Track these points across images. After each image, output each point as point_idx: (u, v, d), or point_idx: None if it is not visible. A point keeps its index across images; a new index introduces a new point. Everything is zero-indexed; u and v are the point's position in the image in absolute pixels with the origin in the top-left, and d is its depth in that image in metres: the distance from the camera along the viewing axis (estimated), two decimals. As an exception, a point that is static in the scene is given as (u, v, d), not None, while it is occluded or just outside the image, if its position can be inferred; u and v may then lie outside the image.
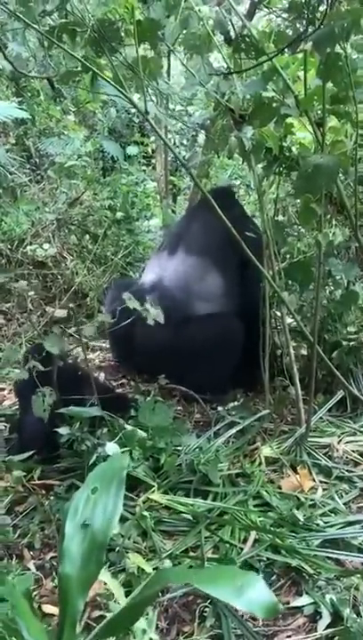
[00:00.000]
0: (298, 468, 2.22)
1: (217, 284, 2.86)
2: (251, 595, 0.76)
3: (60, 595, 0.96)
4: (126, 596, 1.49)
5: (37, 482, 2.08)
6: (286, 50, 2.19)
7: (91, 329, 2.19)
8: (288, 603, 1.61)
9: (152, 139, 5.37)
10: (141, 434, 2.14)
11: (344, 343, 2.71)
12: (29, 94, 5.91)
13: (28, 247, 3.71)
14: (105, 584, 1.46)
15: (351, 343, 2.74)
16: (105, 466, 1.14)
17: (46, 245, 3.67)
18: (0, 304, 3.55)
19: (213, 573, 0.97)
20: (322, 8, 1.96)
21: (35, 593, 1.60)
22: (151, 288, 2.87)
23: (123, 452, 1.87)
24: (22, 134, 5.75)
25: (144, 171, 4.65)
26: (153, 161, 5.54)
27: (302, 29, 1.96)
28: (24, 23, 1.98)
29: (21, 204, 3.95)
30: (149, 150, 5.55)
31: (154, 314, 2.14)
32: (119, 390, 2.85)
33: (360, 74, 2.12)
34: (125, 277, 3.68)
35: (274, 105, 2.26)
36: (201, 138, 4.58)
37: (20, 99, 5.53)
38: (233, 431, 2.37)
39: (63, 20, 2.02)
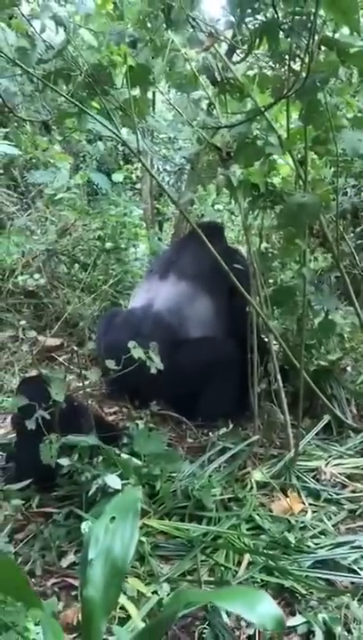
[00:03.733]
0: (288, 491, 2.30)
1: (208, 308, 2.96)
2: (261, 609, 0.85)
3: (84, 617, 1.03)
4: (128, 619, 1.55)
5: (36, 510, 2.13)
6: (268, 92, 2.33)
7: (95, 374, 2.26)
8: (283, 623, 1.68)
9: (136, 165, 5.49)
10: (136, 462, 2.21)
11: (327, 369, 2.82)
12: (15, 124, 6.04)
13: (20, 277, 3.78)
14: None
15: (334, 368, 2.86)
16: (121, 498, 1.22)
17: (37, 275, 3.75)
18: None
19: (229, 592, 1.05)
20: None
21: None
22: (143, 312, 2.95)
23: (124, 485, 1.94)
24: (8, 163, 5.84)
25: (130, 198, 4.76)
26: (138, 186, 5.67)
27: (283, 77, 2.09)
28: (21, 69, 2.08)
29: (12, 235, 4.03)
30: (134, 177, 5.68)
31: (157, 363, 2.22)
32: (112, 418, 2.92)
33: (340, 116, 2.26)
34: (115, 306, 3.76)
35: (258, 143, 2.39)
36: (187, 169, 4.72)
37: (6, 129, 5.65)
38: (225, 457, 2.45)
39: (58, 66, 2.13)
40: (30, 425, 2.02)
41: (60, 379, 2.12)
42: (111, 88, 2.34)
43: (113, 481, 2.01)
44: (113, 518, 1.13)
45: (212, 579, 1.84)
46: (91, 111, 2.36)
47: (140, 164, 5.18)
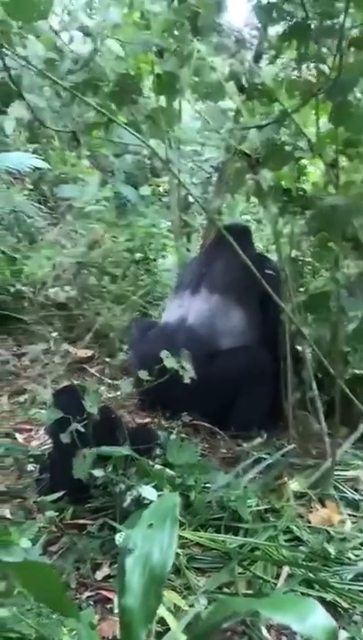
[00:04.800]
0: (326, 501, 2.24)
1: (241, 319, 2.93)
2: (313, 620, 0.80)
3: (123, 627, 1.00)
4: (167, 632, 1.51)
5: (70, 522, 2.11)
6: (297, 95, 2.31)
7: (128, 385, 2.24)
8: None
9: (164, 179, 5.50)
10: (170, 472, 2.18)
11: (363, 376, 2.76)
12: (44, 141, 6.14)
13: (50, 289, 3.81)
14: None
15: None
16: (158, 504, 1.18)
17: (67, 287, 3.77)
18: (24, 346, 3.62)
19: (276, 601, 1.00)
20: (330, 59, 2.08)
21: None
22: (176, 327, 2.93)
23: (159, 496, 1.91)
24: (38, 180, 5.93)
25: (158, 211, 4.77)
26: (165, 199, 5.68)
27: (312, 79, 2.07)
28: (50, 81, 2.10)
29: (42, 249, 4.07)
30: (161, 190, 5.69)
31: (189, 371, 2.19)
32: (144, 428, 2.89)
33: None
34: (145, 317, 3.75)
35: (286, 148, 2.36)
36: (214, 178, 4.70)
37: (35, 145, 5.74)
38: (260, 467, 2.40)
39: (86, 77, 2.14)
40: (64, 439, 2.00)
41: (95, 390, 2.11)
42: (139, 97, 2.35)
43: (149, 492, 1.98)
44: (151, 525, 1.10)
45: (250, 592, 1.79)
46: (119, 122, 2.37)
47: (166, 179, 5.21)
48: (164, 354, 2.17)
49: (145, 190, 5.22)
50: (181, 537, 1.98)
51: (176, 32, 2.26)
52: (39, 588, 0.95)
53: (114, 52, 2.21)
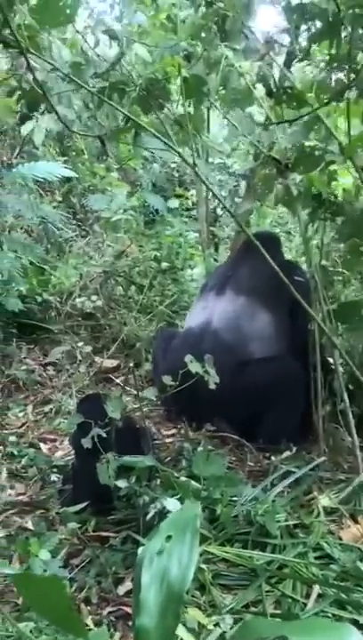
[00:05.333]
0: (358, 517, 2.14)
1: (268, 324, 2.83)
2: (349, 647, 0.72)
3: (138, 648, 0.93)
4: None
5: (92, 534, 2.06)
6: (326, 98, 2.25)
7: (152, 392, 2.19)
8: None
9: (192, 192, 5.49)
10: (196, 485, 2.11)
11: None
12: (73, 153, 6.19)
13: (77, 299, 3.80)
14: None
15: None
16: (178, 515, 1.09)
17: (94, 297, 3.75)
18: (50, 356, 3.60)
19: (307, 625, 0.92)
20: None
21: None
22: (201, 332, 2.86)
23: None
24: (67, 192, 5.97)
25: (186, 222, 4.75)
26: (193, 213, 5.66)
27: (344, 79, 2.01)
28: (75, 85, 2.08)
29: (70, 259, 4.06)
30: (190, 203, 5.68)
31: (214, 377, 2.14)
32: (170, 440, 2.83)
33: None
34: (171, 326, 3.70)
35: (317, 153, 2.30)
36: (242, 189, 4.67)
37: (65, 158, 5.79)
38: (289, 481, 2.31)
39: (112, 81, 2.12)
40: (86, 443, 1.96)
41: (117, 397, 2.06)
42: (166, 101, 2.32)
43: (173, 505, 1.92)
44: (169, 537, 1.02)
45: (278, 611, 1.70)
46: (146, 131, 2.34)
47: (194, 192, 5.19)
48: (188, 358, 2.11)
49: (173, 203, 5.21)
50: (206, 552, 1.91)
51: (204, 35, 2.22)
52: (43, 603, 0.89)
53: (140, 55, 2.18)
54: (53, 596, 0.89)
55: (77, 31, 2.04)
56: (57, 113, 2.11)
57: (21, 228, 4.81)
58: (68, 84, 2.18)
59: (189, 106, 2.42)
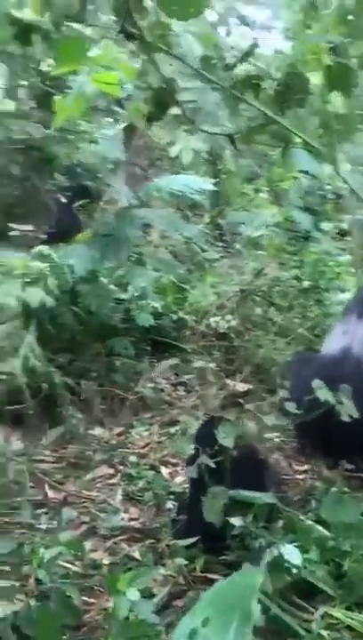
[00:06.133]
0: None
1: None
2: None
3: None
4: None
5: (199, 574, 1.84)
6: None
7: (272, 419, 1.95)
8: None
9: (347, 216, 5.12)
10: (322, 531, 1.81)
11: None
12: (224, 175, 6.15)
13: (211, 319, 3.65)
14: None
15: None
16: (227, 584, 0.76)
17: (229, 316, 3.58)
18: (181, 375, 3.48)
19: None
20: None
21: None
22: (341, 359, 2.57)
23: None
24: (217, 214, 5.94)
25: (334, 239, 4.41)
26: (347, 238, 5.28)
27: None
28: (207, 80, 1.93)
29: (208, 277, 3.95)
30: (345, 226, 5.31)
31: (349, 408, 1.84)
32: (301, 476, 2.54)
33: None
34: (309, 350, 3.40)
35: None
36: None
37: (216, 179, 5.76)
38: None
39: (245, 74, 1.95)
40: (190, 473, 1.76)
41: (233, 422, 1.84)
42: (307, 96, 2.09)
43: (291, 553, 1.65)
44: (206, 621, 0.69)
45: None
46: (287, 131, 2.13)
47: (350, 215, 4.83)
48: (316, 384, 1.83)
49: (327, 226, 4.84)
50: (328, 615, 1.60)
51: (351, 16, 1.97)
52: None
53: (278, 47, 1.99)
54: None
55: (209, 22, 1.90)
56: (184, 114, 1.97)
57: (166, 248, 4.82)
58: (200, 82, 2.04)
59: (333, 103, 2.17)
